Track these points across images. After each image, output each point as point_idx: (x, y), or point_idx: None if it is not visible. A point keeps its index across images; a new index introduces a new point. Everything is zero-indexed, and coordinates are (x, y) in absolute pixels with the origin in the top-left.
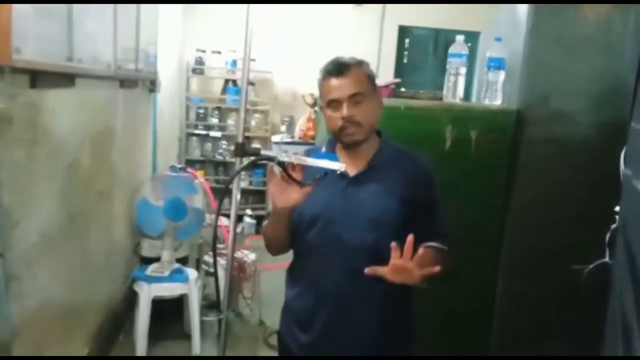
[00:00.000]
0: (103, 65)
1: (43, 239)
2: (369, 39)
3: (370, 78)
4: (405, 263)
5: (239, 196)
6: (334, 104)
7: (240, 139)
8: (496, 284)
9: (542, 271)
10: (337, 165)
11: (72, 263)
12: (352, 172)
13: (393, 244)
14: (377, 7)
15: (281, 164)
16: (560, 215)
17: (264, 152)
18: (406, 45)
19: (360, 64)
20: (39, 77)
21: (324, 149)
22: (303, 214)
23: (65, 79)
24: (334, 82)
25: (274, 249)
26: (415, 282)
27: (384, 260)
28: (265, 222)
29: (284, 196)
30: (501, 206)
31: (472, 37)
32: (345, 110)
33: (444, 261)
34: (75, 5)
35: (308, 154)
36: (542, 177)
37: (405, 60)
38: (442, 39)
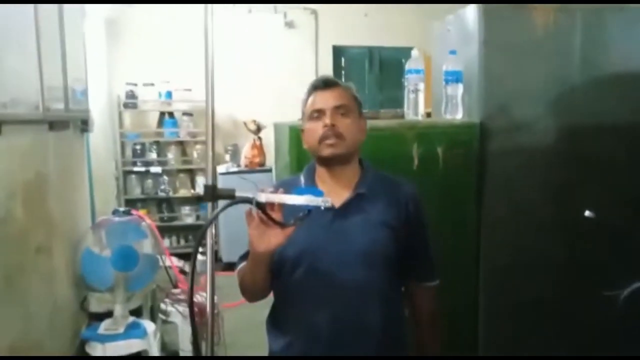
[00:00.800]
0: (30, 107)
1: None
2: (305, 60)
3: (357, 101)
4: None
5: (213, 243)
6: (317, 114)
7: (209, 181)
8: (477, 300)
9: (522, 283)
10: (323, 201)
11: (10, 329)
12: (336, 202)
13: None
14: (309, 28)
15: (260, 206)
16: (532, 224)
17: (238, 194)
18: (342, 64)
19: (348, 86)
20: None
21: (302, 179)
22: (285, 255)
23: None
24: (319, 93)
25: (252, 294)
26: None
27: (377, 295)
28: (241, 265)
29: (264, 240)
30: (474, 221)
31: (404, 53)
32: (327, 119)
33: (436, 300)
34: None
35: (288, 188)
36: (510, 188)
37: (342, 80)
38: (376, 55)
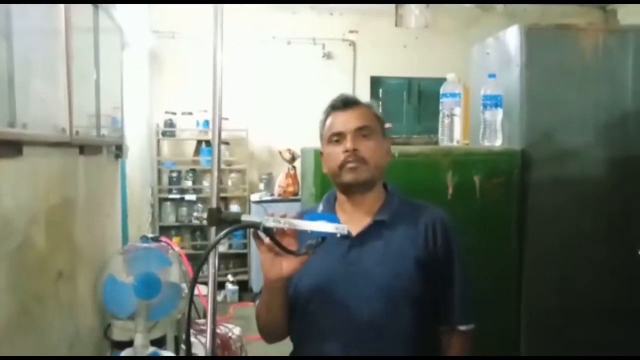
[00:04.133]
0: (56, 130)
1: None
2: (342, 90)
3: (379, 119)
4: None
5: (216, 272)
6: (337, 137)
7: (214, 204)
8: (518, 347)
9: (567, 324)
10: (338, 228)
11: None
12: (355, 230)
13: None
14: (347, 59)
15: (268, 231)
16: (579, 262)
17: (245, 218)
18: (380, 94)
19: (369, 104)
20: None
21: (320, 207)
22: (299, 287)
23: (10, 147)
24: (339, 115)
25: (270, 333)
26: None
27: (398, 335)
28: (258, 302)
29: (276, 266)
30: (515, 258)
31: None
32: (349, 143)
33: (469, 348)
34: (17, 66)
35: (301, 215)
36: (555, 222)
37: (380, 111)
38: (414, 86)
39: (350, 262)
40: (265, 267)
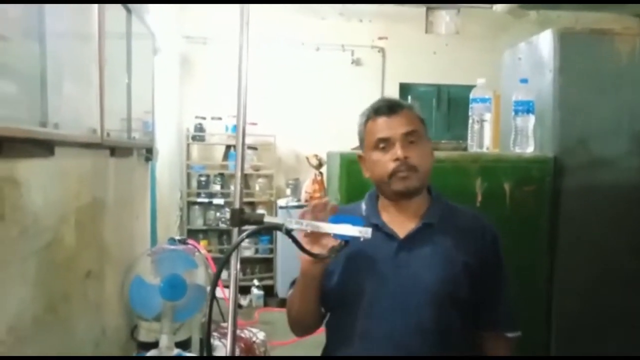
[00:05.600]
0: (88, 131)
1: (12, 334)
2: (371, 96)
3: (423, 122)
4: None
5: (238, 272)
6: (384, 143)
7: (237, 204)
8: (549, 353)
9: (597, 337)
10: (362, 231)
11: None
12: (402, 232)
13: None
14: (376, 66)
15: (289, 233)
16: (613, 274)
17: (267, 219)
18: (409, 102)
19: (411, 106)
20: (4, 146)
21: (363, 206)
22: (343, 288)
23: (41, 147)
24: (384, 120)
25: (301, 325)
26: None
27: (444, 341)
28: (290, 291)
29: (314, 251)
30: (545, 268)
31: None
32: (399, 151)
33: (513, 353)
34: (50, 68)
35: (339, 211)
36: (589, 232)
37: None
38: (444, 94)
39: (399, 264)
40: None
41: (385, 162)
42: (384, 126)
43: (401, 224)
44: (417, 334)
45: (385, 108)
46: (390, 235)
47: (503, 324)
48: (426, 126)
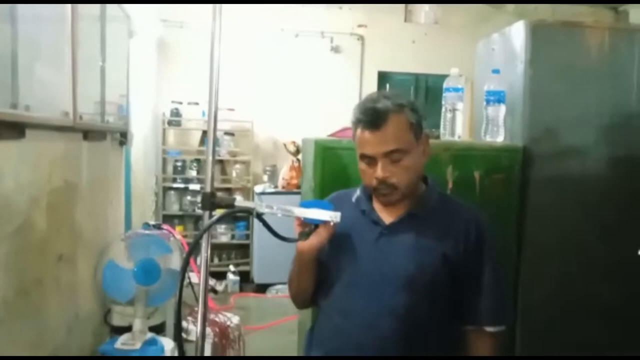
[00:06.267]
0: (60, 113)
1: None
2: (349, 84)
3: (413, 125)
4: None
5: (209, 255)
6: (367, 159)
7: (208, 188)
8: (514, 341)
9: (564, 325)
10: (330, 216)
11: (24, 342)
12: (388, 219)
13: None
14: (355, 53)
15: (260, 216)
16: (578, 262)
17: (239, 203)
18: (387, 90)
19: (400, 108)
20: None
21: (358, 192)
22: (328, 265)
23: (12, 129)
24: (368, 135)
25: (300, 300)
26: None
27: (415, 329)
28: (290, 270)
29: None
30: (513, 253)
31: None
32: (379, 171)
33: (496, 351)
34: (21, 50)
35: (340, 202)
36: (555, 220)
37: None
38: (422, 83)
39: (379, 250)
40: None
41: (369, 175)
42: (368, 142)
43: (390, 212)
44: (390, 318)
45: (370, 123)
46: (376, 222)
47: (484, 318)
48: (420, 125)
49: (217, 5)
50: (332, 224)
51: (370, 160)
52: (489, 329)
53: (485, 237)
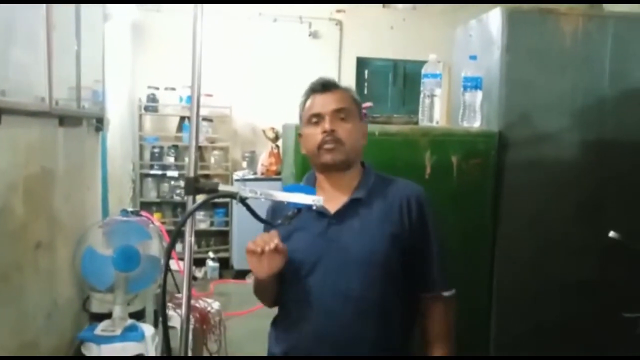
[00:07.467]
0: (35, 99)
1: None
2: (328, 70)
3: (357, 103)
4: None
5: (193, 240)
6: (316, 118)
7: (191, 173)
8: (489, 320)
9: (537, 303)
10: (313, 199)
11: (2, 329)
12: (333, 208)
13: None
14: (334, 39)
15: (243, 201)
16: (551, 242)
17: (222, 188)
18: (365, 76)
19: (347, 88)
20: None
21: (302, 184)
22: (287, 263)
23: None
24: (318, 97)
25: (266, 303)
26: None
27: (374, 308)
28: (253, 282)
29: (263, 265)
30: (488, 236)
31: None
32: (327, 124)
33: (451, 313)
34: None
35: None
36: (530, 202)
37: (365, 92)
38: (400, 69)
39: (329, 239)
40: (254, 268)
41: (315, 134)
42: (317, 102)
43: (334, 201)
44: (349, 302)
45: (320, 86)
46: (322, 213)
47: (438, 284)
48: (361, 109)
49: (199, 5)
50: (280, 246)
51: (318, 119)
52: (446, 293)
53: (425, 209)
